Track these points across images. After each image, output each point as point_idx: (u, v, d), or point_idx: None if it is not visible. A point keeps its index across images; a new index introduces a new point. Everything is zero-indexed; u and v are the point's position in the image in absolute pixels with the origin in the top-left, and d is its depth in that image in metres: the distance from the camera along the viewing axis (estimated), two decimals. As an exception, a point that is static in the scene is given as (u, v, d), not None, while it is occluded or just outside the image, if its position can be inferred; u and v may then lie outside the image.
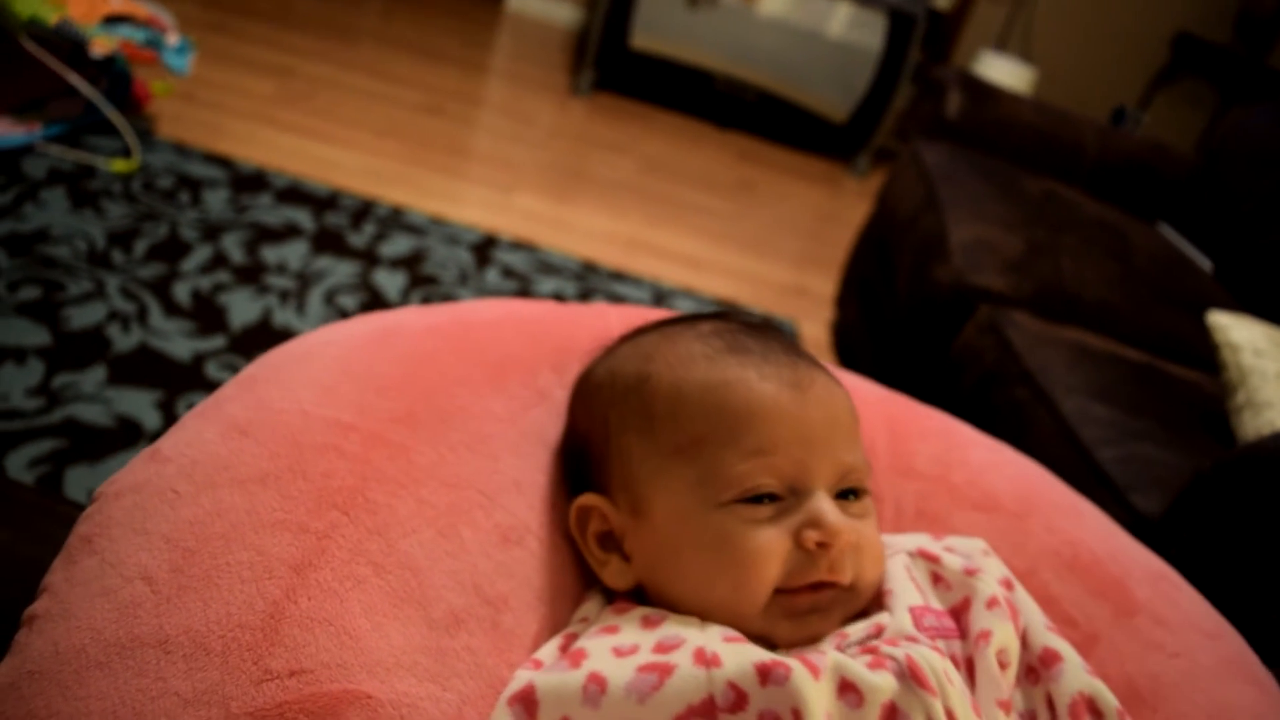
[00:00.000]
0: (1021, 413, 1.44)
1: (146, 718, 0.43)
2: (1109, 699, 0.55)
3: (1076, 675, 0.55)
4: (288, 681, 0.45)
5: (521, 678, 0.51)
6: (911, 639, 0.52)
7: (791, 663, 0.47)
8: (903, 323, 1.85)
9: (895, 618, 0.55)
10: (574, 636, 0.56)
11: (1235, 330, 1.48)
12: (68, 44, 2.04)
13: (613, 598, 0.61)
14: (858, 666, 0.48)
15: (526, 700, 0.49)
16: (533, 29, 4.18)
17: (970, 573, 0.59)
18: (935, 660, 0.50)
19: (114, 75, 2.20)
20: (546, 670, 0.51)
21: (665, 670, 0.48)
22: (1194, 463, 1.27)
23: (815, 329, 2.49)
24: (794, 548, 0.55)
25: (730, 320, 0.65)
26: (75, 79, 2.04)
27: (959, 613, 0.58)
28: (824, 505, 0.55)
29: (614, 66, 3.60)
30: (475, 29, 3.94)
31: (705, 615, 0.55)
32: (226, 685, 0.44)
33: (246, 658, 0.45)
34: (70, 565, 0.49)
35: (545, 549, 0.61)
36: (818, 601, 0.55)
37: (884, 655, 0.50)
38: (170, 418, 1.51)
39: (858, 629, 0.54)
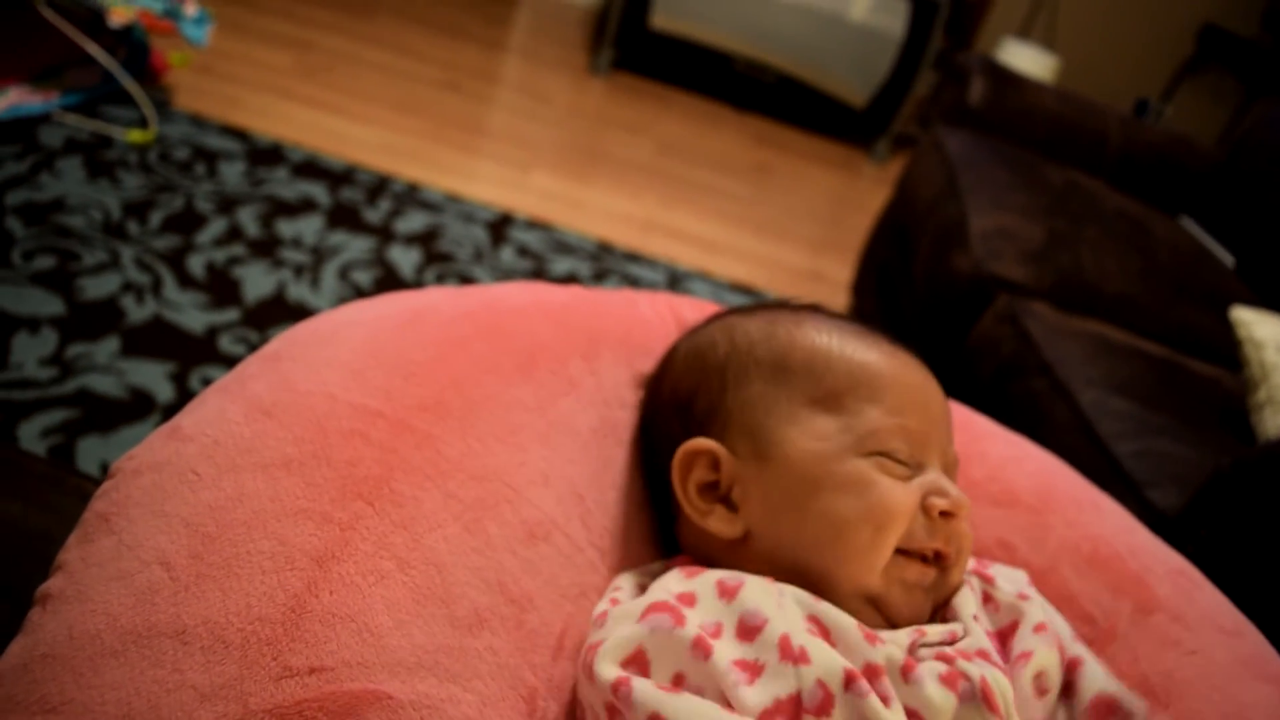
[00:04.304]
0: (1038, 404, 1.42)
1: (162, 710, 0.42)
2: (1132, 700, 0.55)
3: (1096, 676, 0.56)
4: (307, 679, 0.44)
5: (629, 627, 0.50)
6: (983, 654, 0.52)
7: (866, 685, 0.47)
8: (920, 310, 1.84)
9: (969, 629, 0.55)
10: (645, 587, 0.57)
11: (1258, 326, 1.46)
12: (86, 13, 2.03)
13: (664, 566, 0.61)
14: (925, 692, 0.48)
15: (639, 660, 0.49)
16: (552, 7, 4.16)
17: (1023, 597, 0.59)
18: (1006, 686, 0.50)
19: (132, 45, 2.20)
20: (650, 622, 0.50)
21: (756, 670, 0.48)
22: (1213, 459, 1.26)
23: (830, 315, 2.47)
24: (918, 511, 0.56)
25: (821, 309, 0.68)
26: (93, 48, 2.03)
27: (1005, 635, 0.58)
28: (945, 480, 0.57)
29: (633, 46, 3.58)
30: (494, 5, 3.91)
31: (825, 570, 0.55)
32: (245, 680, 0.43)
33: (266, 652, 0.44)
34: (86, 544, 0.48)
35: (572, 545, 0.59)
36: (924, 576, 0.56)
37: (959, 670, 0.50)
38: (183, 390, 1.50)
39: (935, 631, 0.54)
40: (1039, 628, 0.56)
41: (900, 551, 0.55)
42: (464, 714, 0.47)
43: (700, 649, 0.48)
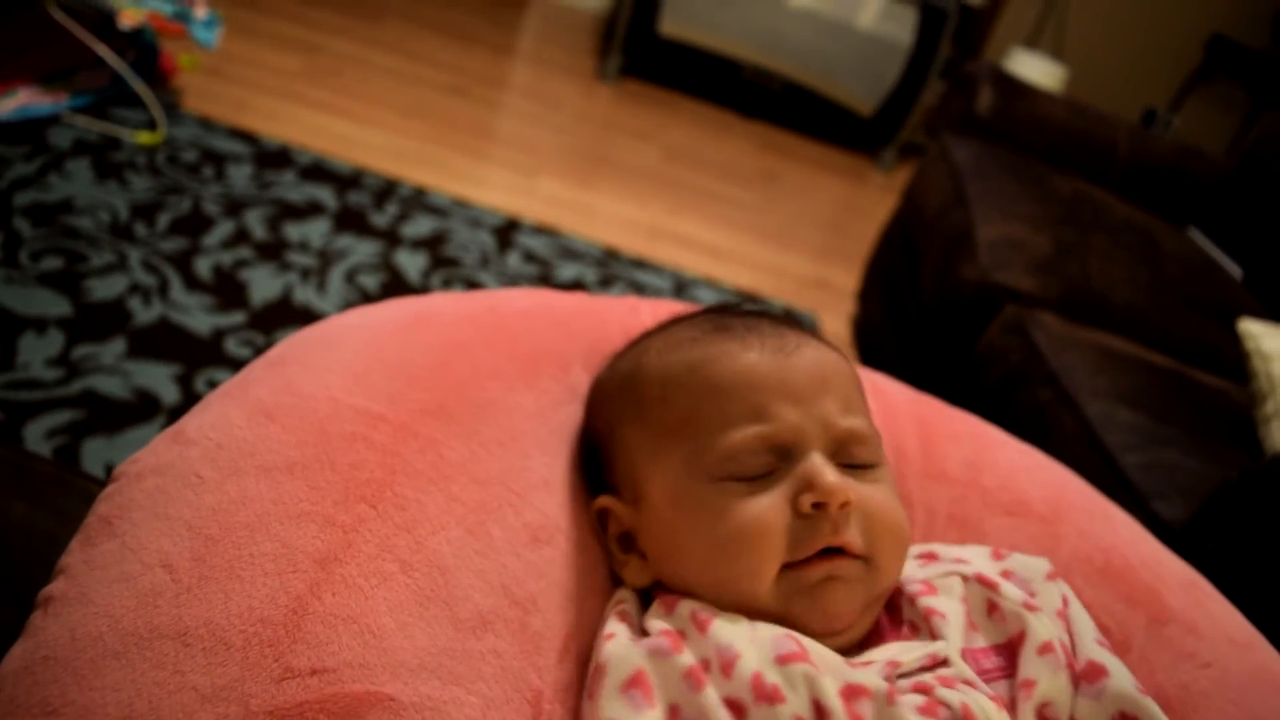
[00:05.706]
0: (1044, 415, 1.42)
1: (163, 712, 0.42)
2: (1155, 715, 0.51)
3: (1121, 689, 0.52)
4: (309, 680, 0.44)
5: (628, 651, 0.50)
6: (969, 683, 0.50)
7: (835, 708, 0.46)
8: (926, 319, 1.84)
9: (951, 648, 0.53)
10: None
11: (1266, 339, 1.45)
12: (96, 15, 2.04)
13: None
14: (907, 717, 0.46)
15: (640, 683, 0.49)
16: (561, 12, 4.16)
17: (1030, 608, 0.55)
18: (991, 711, 0.48)
19: (142, 47, 2.20)
20: (649, 644, 0.50)
21: (741, 710, 0.47)
22: (1219, 471, 1.26)
23: (836, 323, 2.47)
24: (794, 516, 0.52)
25: (726, 307, 0.65)
26: (103, 50, 2.04)
27: (1013, 646, 0.55)
28: (817, 464, 0.53)
29: (641, 53, 3.58)
30: (502, 10, 3.92)
31: (718, 600, 0.53)
32: (246, 682, 0.43)
33: (267, 654, 0.44)
34: (89, 547, 0.48)
35: (575, 549, 0.60)
36: (832, 569, 0.52)
37: (939, 700, 0.48)
38: (189, 392, 1.50)
39: (911, 657, 0.52)
40: (1045, 649, 0.53)
41: (789, 566, 0.52)
42: (467, 716, 0.47)
43: (693, 679, 0.48)
